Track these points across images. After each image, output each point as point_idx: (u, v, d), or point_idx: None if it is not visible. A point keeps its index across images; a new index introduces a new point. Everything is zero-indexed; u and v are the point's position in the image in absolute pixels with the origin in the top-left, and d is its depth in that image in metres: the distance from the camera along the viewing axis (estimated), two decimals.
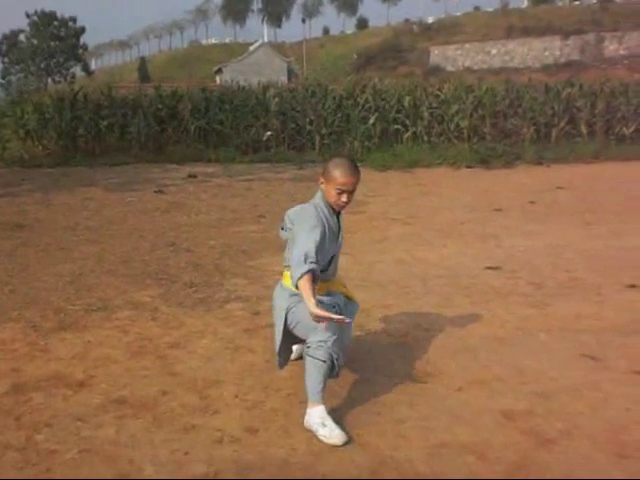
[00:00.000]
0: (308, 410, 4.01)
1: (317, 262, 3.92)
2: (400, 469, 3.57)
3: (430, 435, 3.92)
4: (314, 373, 4.00)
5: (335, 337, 3.99)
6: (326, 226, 4.17)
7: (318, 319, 3.78)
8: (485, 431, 3.97)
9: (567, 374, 4.76)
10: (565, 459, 3.66)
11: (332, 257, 4.35)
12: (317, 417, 3.94)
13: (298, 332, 4.21)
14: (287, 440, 3.87)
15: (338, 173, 4.10)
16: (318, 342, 3.97)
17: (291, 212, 4.30)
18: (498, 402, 4.33)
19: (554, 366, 4.90)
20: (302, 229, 4.08)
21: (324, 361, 3.96)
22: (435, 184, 14.74)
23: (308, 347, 4.03)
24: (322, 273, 4.14)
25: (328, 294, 4.35)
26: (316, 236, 4.01)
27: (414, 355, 5.14)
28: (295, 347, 4.88)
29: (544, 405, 4.29)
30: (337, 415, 4.08)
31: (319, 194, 4.26)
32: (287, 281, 4.23)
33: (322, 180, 4.20)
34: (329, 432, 3.86)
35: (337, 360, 4.02)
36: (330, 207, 4.24)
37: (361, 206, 11.60)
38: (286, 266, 4.29)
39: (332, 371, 4.06)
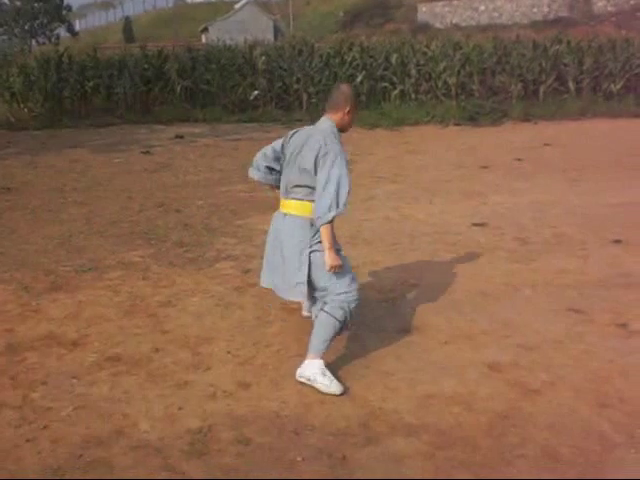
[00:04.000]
0: (307, 361, 4.08)
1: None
2: (388, 420, 3.67)
3: (417, 387, 4.03)
4: (327, 330, 4.10)
5: (357, 292, 4.17)
6: None
7: (334, 269, 4.03)
8: (471, 383, 4.07)
9: (551, 327, 4.86)
10: (549, 409, 3.78)
11: None
12: (317, 368, 4.03)
13: (314, 274, 4.18)
14: (278, 393, 3.97)
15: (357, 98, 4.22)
16: (341, 300, 4.09)
17: (320, 138, 4.20)
18: (484, 355, 4.44)
19: (539, 319, 5.00)
20: (340, 164, 4.17)
21: (341, 322, 4.10)
22: (422, 142, 14.74)
23: (326, 303, 4.14)
24: None
25: None
26: (349, 177, 4.18)
27: (402, 310, 5.24)
28: (305, 306, 4.93)
29: (529, 357, 4.40)
30: (327, 368, 4.17)
31: (330, 126, 4.30)
32: (299, 210, 4.25)
33: (349, 109, 4.29)
34: (329, 381, 3.98)
35: (349, 319, 4.18)
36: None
37: (349, 165, 11.58)
38: (296, 198, 4.27)
39: (341, 330, 4.21)
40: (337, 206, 4.06)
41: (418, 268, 6.24)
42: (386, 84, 19.71)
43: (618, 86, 19.61)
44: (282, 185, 4.39)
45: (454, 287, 5.73)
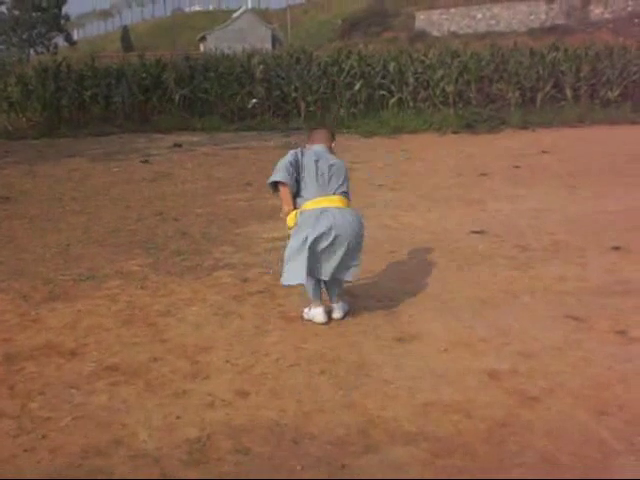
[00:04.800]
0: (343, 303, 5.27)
1: None
2: (387, 428, 3.66)
3: (416, 395, 4.02)
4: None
5: None
6: None
7: None
8: (470, 390, 4.06)
9: (550, 334, 4.85)
10: (548, 416, 3.76)
11: None
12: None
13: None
14: (277, 402, 3.96)
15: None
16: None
17: (332, 155, 5.44)
18: (482, 362, 4.43)
19: (537, 327, 4.99)
20: None
21: None
22: (421, 150, 14.75)
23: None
24: None
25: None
26: None
27: (400, 318, 5.23)
28: (316, 311, 5.15)
29: (527, 364, 4.39)
30: (326, 376, 4.18)
31: (327, 150, 5.42)
32: (347, 203, 5.29)
33: (334, 143, 5.58)
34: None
35: None
36: None
37: (348, 172, 11.60)
38: (344, 192, 5.32)
39: None
40: None
41: (417, 276, 6.24)
42: (384, 92, 19.76)
43: (615, 93, 19.66)
44: (319, 188, 5.17)
45: (452, 294, 5.73)
